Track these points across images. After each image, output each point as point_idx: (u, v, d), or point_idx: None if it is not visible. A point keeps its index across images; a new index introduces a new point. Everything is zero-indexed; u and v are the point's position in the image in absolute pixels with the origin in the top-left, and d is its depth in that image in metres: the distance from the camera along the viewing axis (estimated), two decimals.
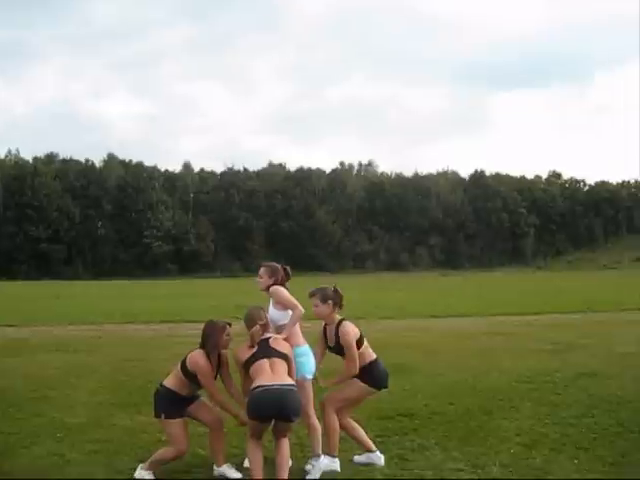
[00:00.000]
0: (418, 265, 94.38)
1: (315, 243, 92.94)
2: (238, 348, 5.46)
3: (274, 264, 5.96)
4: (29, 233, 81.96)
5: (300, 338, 5.71)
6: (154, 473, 5.35)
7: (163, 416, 5.44)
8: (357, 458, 5.84)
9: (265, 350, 5.28)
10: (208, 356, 5.39)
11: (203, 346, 5.46)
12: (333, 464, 5.60)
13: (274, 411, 5.01)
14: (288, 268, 5.92)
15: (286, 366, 5.25)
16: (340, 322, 5.78)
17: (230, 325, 5.59)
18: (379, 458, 5.76)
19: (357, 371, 5.69)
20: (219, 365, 5.48)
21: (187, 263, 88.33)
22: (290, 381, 5.14)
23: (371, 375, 5.77)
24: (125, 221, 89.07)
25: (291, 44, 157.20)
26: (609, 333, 15.18)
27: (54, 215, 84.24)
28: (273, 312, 5.71)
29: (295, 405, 5.09)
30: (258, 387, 5.03)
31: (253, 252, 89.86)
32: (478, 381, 9.43)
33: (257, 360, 5.23)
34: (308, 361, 5.67)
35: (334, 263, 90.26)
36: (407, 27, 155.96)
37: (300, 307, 5.66)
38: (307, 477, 5.38)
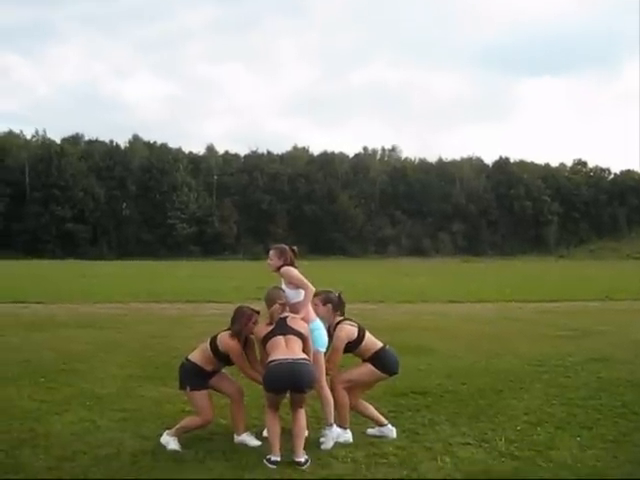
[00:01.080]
0: (440, 251, 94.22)
1: (337, 227, 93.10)
2: (258, 326, 5.82)
3: (282, 246, 6.26)
4: (55, 213, 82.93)
5: (312, 314, 6.00)
6: (178, 439, 5.71)
7: (188, 388, 5.80)
8: (370, 430, 6.16)
9: (282, 327, 5.62)
10: (236, 337, 5.75)
11: (230, 328, 5.83)
12: (345, 435, 5.94)
13: (288, 383, 5.35)
14: (295, 248, 6.22)
15: (301, 343, 5.57)
16: (338, 324, 6.09)
17: (258, 313, 5.92)
18: (391, 431, 6.08)
19: (331, 370, 6.02)
20: (245, 344, 5.85)
21: (210, 245, 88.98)
22: (302, 355, 5.47)
23: (380, 362, 6.08)
24: (149, 202, 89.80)
25: (316, 27, 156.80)
26: (627, 321, 15.35)
27: (79, 195, 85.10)
28: (286, 291, 5.99)
29: (308, 377, 5.42)
30: (273, 361, 5.39)
31: (276, 235, 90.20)
32: (491, 363, 9.72)
33: (274, 336, 5.58)
34: (321, 335, 5.97)
35: (356, 248, 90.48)
36: (432, 11, 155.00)
37: (311, 286, 5.96)
38: (321, 447, 5.72)
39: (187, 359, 5.92)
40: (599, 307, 19.32)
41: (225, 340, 5.77)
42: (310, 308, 6.01)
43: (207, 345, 5.85)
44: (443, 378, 8.57)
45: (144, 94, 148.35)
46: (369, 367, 6.07)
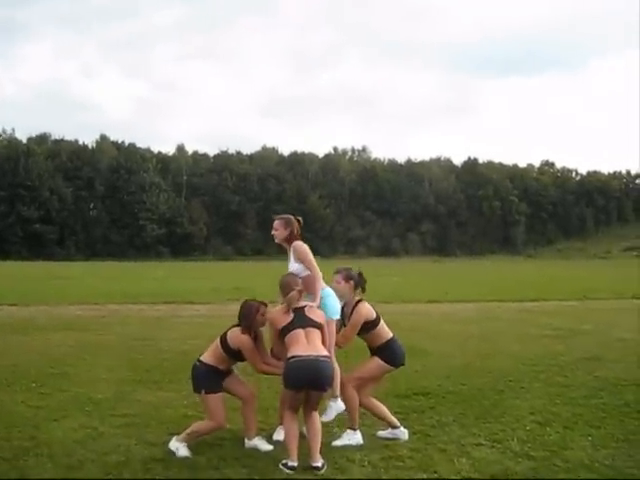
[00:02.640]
0: (410, 251, 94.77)
1: (307, 228, 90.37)
2: (274, 312, 5.62)
3: (288, 215, 6.14)
4: (21, 213, 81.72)
5: (322, 282, 5.87)
6: (188, 445, 5.55)
7: (203, 391, 5.63)
8: (381, 433, 6.07)
9: (301, 319, 5.43)
10: (247, 332, 5.61)
11: (240, 324, 5.68)
12: (355, 436, 5.84)
13: (309, 380, 5.22)
14: (300, 219, 6.11)
15: (320, 335, 5.44)
16: (357, 302, 5.96)
17: (266, 305, 5.77)
18: (403, 433, 6.00)
19: (343, 344, 5.92)
20: (255, 339, 5.70)
21: (179, 246, 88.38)
22: (324, 352, 5.33)
23: (389, 352, 6.00)
24: (118, 203, 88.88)
25: (285, 27, 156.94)
26: (608, 320, 15.47)
27: (46, 195, 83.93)
28: (293, 266, 5.88)
29: (328, 375, 5.31)
30: (293, 357, 5.23)
31: (246, 236, 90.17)
32: (486, 364, 9.69)
33: (293, 329, 5.39)
34: (333, 302, 5.85)
35: (326, 248, 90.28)
36: (401, 13, 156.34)
37: (319, 271, 5.83)
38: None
39: (199, 361, 5.75)
40: (578, 306, 19.51)
41: (236, 336, 5.62)
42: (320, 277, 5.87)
43: (218, 343, 5.71)
44: (442, 379, 8.52)
45: (112, 94, 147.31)
46: (377, 361, 5.98)
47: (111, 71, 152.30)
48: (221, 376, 5.71)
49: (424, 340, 11.90)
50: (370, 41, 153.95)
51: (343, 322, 6.03)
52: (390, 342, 6.05)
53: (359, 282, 6.05)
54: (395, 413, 6.62)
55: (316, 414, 5.41)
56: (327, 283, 5.96)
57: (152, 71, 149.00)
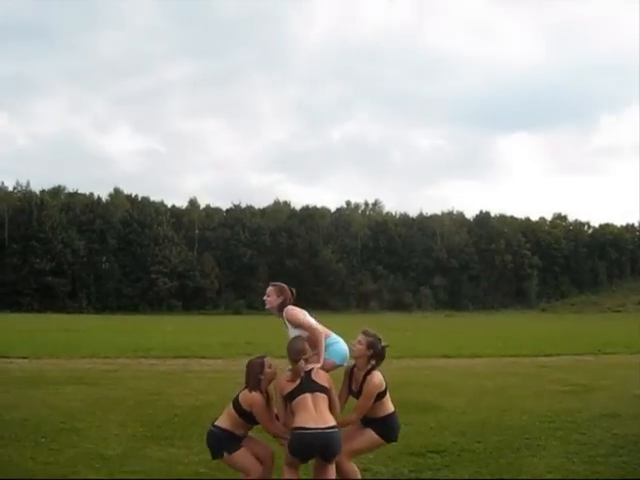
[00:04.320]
0: (422, 305, 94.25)
1: (319, 282, 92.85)
2: (279, 379, 5.55)
3: (281, 284, 6.09)
4: (34, 266, 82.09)
5: (328, 331, 5.83)
6: None
7: (225, 454, 5.49)
8: None
9: (308, 384, 5.35)
10: (256, 390, 5.51)
11: (247, 384, 5.58)
12: None
13: (316, 452, 5.15)
14: (294, 290, 6.04)
15: (327, 401, 5.35)
16: (370, 370, 5.73)
17: (267, 357, 5.68)
18: None
19: (358, 421, 5.70)
20: (267, 401, 5.59)
21: (191, 299, 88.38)
22: (332, 421, 5.22)
23: (387, 427, 5.75)
24: (130, 256, 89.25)
25: (295, 81, 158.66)
26: (625, 375, 15.22)
27: (59, 248, 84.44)
28: (294, 332, 5.77)
29: (338, 445, 5.21)
30: (301, 429, 5.13)
31: (257, 289, 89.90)
32: (501, 420, 9.54)
33: (300, 394, 5.30)
34: (339, 348, 5.78)
35: (338, 302, 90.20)
36: (411, 67, 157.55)
37: (318, 327, 5.76)
38: None
39: (215, 426, 5.60)
40: (593, 361, 19.25)
41: (246, 396, 5.51)
42: (324, 328, 5.82)
43: (231, 408, 5.59)
44: (457, 436, 8.36)
45: (125, 147, 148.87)
46: (371, 435, 5.69)
47: (124, 125, 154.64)
48: (238, 440, 5.58)
49: (438, 396, 11.75)
50: (380, 95, 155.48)
51: (350, 386, 5.82)
52: (391, 416, 5.80)
53: (378, 355, 5.78)
54: (410, 471, 6.52)
55: (332, 467, 5.27)
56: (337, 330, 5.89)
57: (164, 125, 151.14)
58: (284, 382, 5.46)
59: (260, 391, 5.51)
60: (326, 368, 5.65)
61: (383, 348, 5.79)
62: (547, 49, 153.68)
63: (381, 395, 5.71)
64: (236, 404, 5.56)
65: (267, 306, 6.04)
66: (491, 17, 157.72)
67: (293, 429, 5.21)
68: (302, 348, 5.52)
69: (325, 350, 5.71)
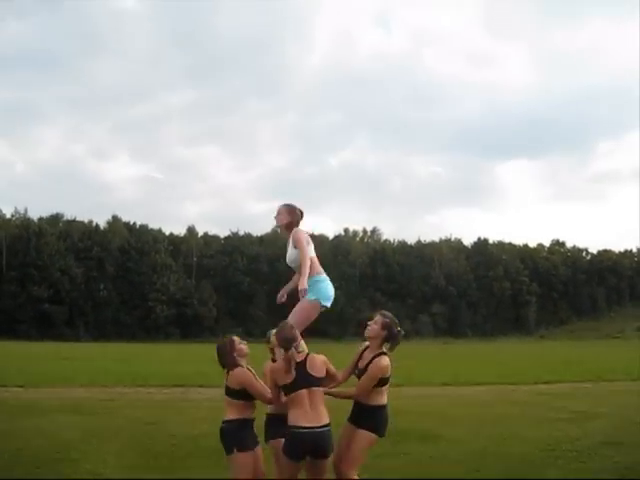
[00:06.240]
0: (420, 333, 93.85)
1: None
2: (272, 368, 5.46)
3: (292, 204, 6.42)
4: (32, 293, 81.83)
5: (319, 268, 6.18)
6: None
7: (235, 449, 5.43)
8: None
9: (304, 378, 5.26)
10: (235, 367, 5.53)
11: (225, 366, 5.59)
12: None
13: (310, 450, 5.15)
14: (303, 212, 6.43)
15: (322, 395, 5.32)
16: (380, 353, 5.65)
17: (233, 335, 5.74)
18: None
19: (358, 397, 5.62)
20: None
21: (189, 327, 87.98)
22: (326, 420, 5.21)
23: (378, 420, 5.63)
24: (128, 284, 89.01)
25: (293, 109, 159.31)
26: (625, 403, 15.14)
27: (57, 276, 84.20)
28: (292, 252, 6.18)
29: (330, 444, 5.24)
30: (295, 427, 5.14)
31: (255, 317, 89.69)
32: (500, 449, 9.46)
33: (297, 389, 5.24)
34: (326, 288, 6.09)
35: (336, 329, 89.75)
36: (408, 95, 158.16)
37: (311, 255, 6.15)
38: None
39: (224, 422, 5.58)
40: (593, 388, 19.15)
41: (231, 376, 5.52)
42: (316, 262, 6.22)
43: (226, 397, 5.59)
44: (456, 465, 8.30)
45: (123, 175, 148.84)
46: (364, 435, 5.55)
47: (123, 152, 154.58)
48: (251, 428, 5.57)
49: (437, 424, 11.66)
50: (378, 122, 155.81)
51: (357, 367, 5.74)
52: (383, 409, 5.66)
53: (392, 338, 5.70)
54: None
55: (324, 465, 5.26)
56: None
57: (163, 152, 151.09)
58: (279, 373, 5.34)
59: (241, 366, 5.50)
60: (309, 308, 5.92)
61: (399, 332, 5.73)
62: (544, 76, 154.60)
63: (383, 382, 5.59)
64: (227, 390, 5.55)
65: (277, 223, 6.42)
66: (488, 45, 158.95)
67: (287, 426, 5.22)
68: (292, 336, 5.39)
69: (312, 287, 5.96)
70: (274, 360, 5.70)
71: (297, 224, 6.33)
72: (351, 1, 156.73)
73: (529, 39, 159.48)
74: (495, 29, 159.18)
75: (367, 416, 5.61)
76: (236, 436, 5.47)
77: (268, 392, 5.53)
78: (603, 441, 9.96)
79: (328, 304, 6.01)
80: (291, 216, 6.29)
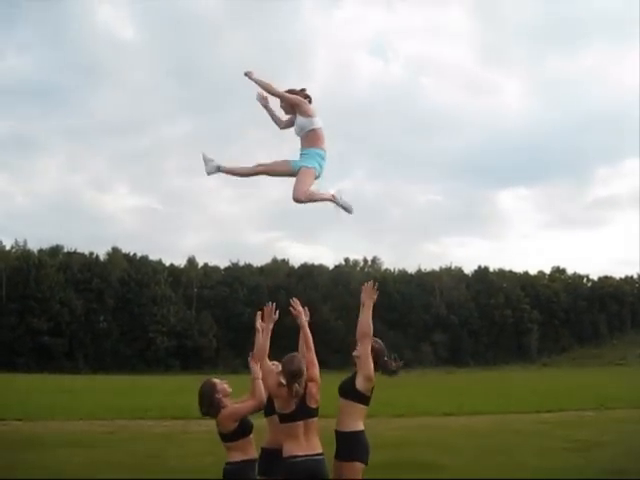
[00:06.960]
0: (422, 362, 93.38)
1: (318, 340, 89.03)
2: (279, 389, 5.35)
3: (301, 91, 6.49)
4: (31, 325, 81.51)
5: (322, 142, 6.26)
6: None
7: None
8: None
9: (302, 411, 5.27)
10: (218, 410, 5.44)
11: (210, 413, 5.48)
12: None
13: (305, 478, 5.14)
14: (311, 97, 6.43)
15: (317, 425, 5.32)
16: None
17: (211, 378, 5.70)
18: None
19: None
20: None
21: (189, 359, 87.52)
22: (319, 449, 5.23)
23: (359, 445, 5.48)
24: (128, 315, 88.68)
25: (292, 139, 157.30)
26: (629, 431, 15.08)
27: (56, 308, 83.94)
28: (300, 119, 6.25)
29: (325, 472, 5.23)
30: (291, 457, 5.15)
31: None
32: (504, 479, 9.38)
33: (295, 421, 5.25)
34: (322, 166, 6.26)
35: (337, 360, 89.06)
36: (406, 124, 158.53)
37: (316, 120, 6.22)
38: None
39: (227, 463, 5.46)
40: (596, 417, 19.03)
41: (218, 422, 5.42)
42: (321, 135, 6.29)
43: (223, 443, 5.52)
44: None
45: (123, 206, 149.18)
46: (356, 466, 5.36)
47: (121, 183, 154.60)
48: (253, 471, 5.48)
49: (440, 455, 11.59)
50: (376, 152, 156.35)
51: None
52: (362, 434, 5.54)
53: (380, 361, 5.77)
54: None
55: None
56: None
57: (162, 184, 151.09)
58: (282, 399, 5.30)
59: (223, 407, 5.43)
60: (310, 174, 6.17)
61: (394, 360, 5.90)
62: (542, 103, 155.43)
63: (364, 400, 5.58)
64: (223, 437, 5.48)
65: (281, 106, 6.55)
66: (485, 74, 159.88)
67: (283, 459, 5.20)
68: (300, 370, 5.38)
69: (315, 158, 6.24)
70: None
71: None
72: (350, 32, 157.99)
73: (526, 67, 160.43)
74: (492, 57, 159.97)
75: (347, 445, 5.48)
76: (239, 476, 5.41)
77: (257, 403, 5.48)
78: (608, 470, 9.90)
79: (319, 179, 6.28)
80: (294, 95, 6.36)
